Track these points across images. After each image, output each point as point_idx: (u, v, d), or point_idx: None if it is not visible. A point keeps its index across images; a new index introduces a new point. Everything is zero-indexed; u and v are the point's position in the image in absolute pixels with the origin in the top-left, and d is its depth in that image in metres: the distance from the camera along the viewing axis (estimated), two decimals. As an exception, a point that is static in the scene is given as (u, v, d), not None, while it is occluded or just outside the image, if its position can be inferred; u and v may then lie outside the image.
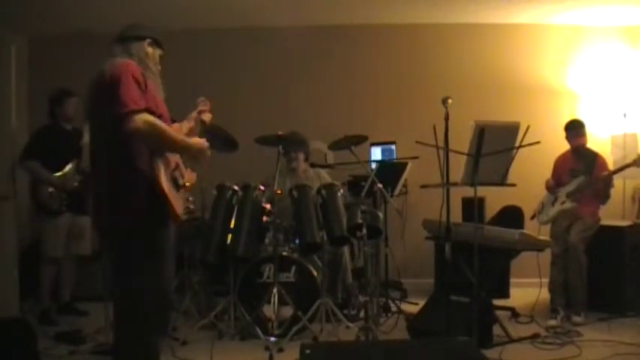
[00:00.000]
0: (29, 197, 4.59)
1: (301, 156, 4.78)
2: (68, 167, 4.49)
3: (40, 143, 4.46)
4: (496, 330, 3.99)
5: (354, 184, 5.20)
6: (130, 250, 2.48)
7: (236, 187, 4.28)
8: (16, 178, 4.54)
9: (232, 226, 4.15)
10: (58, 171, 4.45)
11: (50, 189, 4.43)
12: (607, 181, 4.57)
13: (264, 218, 4.25)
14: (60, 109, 4.53)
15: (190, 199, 2.75)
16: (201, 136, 2.89)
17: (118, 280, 2.52)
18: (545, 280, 4.64)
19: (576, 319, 4.40)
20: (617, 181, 4.70)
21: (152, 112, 2.43)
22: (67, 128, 4.57)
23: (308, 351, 2.79)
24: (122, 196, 2.45)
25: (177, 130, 2.75)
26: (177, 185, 2.61)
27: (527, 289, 4.77)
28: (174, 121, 2.79)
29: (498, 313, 4.25)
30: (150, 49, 2.66)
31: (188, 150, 2.63)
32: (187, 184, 2.75)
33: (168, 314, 2.73)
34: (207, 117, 3.14)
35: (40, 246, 4.57)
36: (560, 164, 4.85)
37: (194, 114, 3.11)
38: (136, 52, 2.60)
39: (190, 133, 2.99)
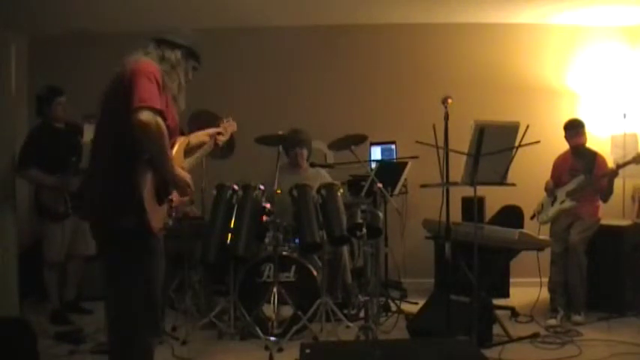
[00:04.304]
0: (32, 201, 4.55)
1: (305, 152, 4.77)
2: None
3: (34, 147, 4.37)
4: (496, 329, 3.99)
5: (354, 184, 5.20)
6: (117, 251, 2.48)
7: (236, 187, 4.28)
8: (17, 178, 4.54)
9: (232, 225, 4.15)
10: (56, 171, 4.39)
11: (54, 192, 4.38)
12: (612, 177, 4.55)
13: (264, 218, 4.25)
14: (49, 108, 4.43)
15: (172, 215, 2.68)
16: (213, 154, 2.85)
17: (106, 280, 2.54)
18: (545, 280, 4.65)
19: (576, 318, 4.40)
20: (617, 180, 4.69)
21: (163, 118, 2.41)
22: (59, 126, 4.50)
23: (308, 350, 2.80)
24: (118, 198, 2.44)
25: (181, 143, 2.70)
26: (161, 198, 2.54)
27: (527, 289, 4.76)
28: (182, 133, 2.76)
29: (498, 312, 4.24)
30: (183, 60, 2.64)
31: (172, 177, 2.53)
32: (174, 199, 2.66)
33: (158, 314, 2.72)
34: (222, 139, 3.04)
35: (42, 250, 4.51)
36: (560, 164, 4.86)
37: (212, 131, 3.01)
38: (168, 58, 2.59)
39: (202, 147, 2.92)
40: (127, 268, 2.49)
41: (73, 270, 4.68)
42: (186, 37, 2.69)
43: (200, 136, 2.96)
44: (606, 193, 4.62)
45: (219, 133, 3.02)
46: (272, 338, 3.92)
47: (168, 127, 2.49)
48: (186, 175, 2.59)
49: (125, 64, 2.46)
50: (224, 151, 4.29)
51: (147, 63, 2.47)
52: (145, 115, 2.32)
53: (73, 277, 4.72)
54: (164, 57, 2.58)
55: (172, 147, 2.59)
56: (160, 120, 2.36)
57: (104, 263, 2.58)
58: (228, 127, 3.11)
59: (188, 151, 2.81)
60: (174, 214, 2.68)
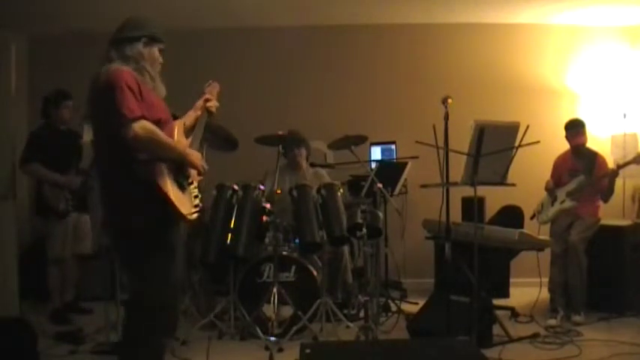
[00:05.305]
0: (33, 199, 4.56)
1: (303, 152, 4.77)
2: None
3: (38, 146, 4.41)
4: (496, 330, 3.99)
5: (354, 184, 5.20)
6: (134, 250, 2.50)
7: (236, 187, 4.28)
8: (17, 178, 4.54)
9: (232, 225, 4.15)
10: (58, 172, 4.41)
11: (55, 190, 4.39)
12: (612, 176, 4.54)
13: (264, 218, 4.25)
14: (56, 110, 4.48)
15: (199, 196, 2.72)
16: (207, 127, 2.87)
17: (126, 279, 2.57)
18: (545, 280, 4.65)
19: (576, 318, 4.40)
20: (617, 180, 4.69)
21: (147, 119, 2.43)
22: (61, 129, 4.54)
23: (308, 351, 2.79)
24: (123, 198, 2.47)
25: (179, 127, 2.70)
26: (182, 185, 2.57)
27: (527, 289, 4.77)
28: (175, 118, 2.76)
29: (498, 312, 4.24)
30: (146, 50, 2.59)
31: (183, 160, 2.58)
32: (194, 182, 2.69)
33: (175, 315, 2.74)
34: (212, 105, 2.91)
35: (45, 247, 4.53)
36: (560, 164, 4.85)
37: (200, 102, 2.91)
38: (131, 55, 2.55)
39: (197, 122, 2.87)
40: (139, 268, 2.52)
41: (70, 270, 4.67)
42: (140, 25, 2.63)
43: (191, 115, 2.90)
44: (607, 194, 4.62)
45: (207, 100, 2.91)
46: (272, 338, 3.92)
47: (159, 120, 2.51)
48: (196, 154, 2.64)
49: (96, 76, 2.46)
50: (227, 144, 4.31)
51: (115, 72, 2.44)
52: (131, 131, 2.35)
53: (70, 277, 4.70)
54: (126, 56, 2.54)
55: (172, 135, 2.59)
56: (145, 124, 2.39)
57: (121, 262, 2.61)
58: (213, 90, 3.01)
59: (186, 131, 2.79)
60: (199, 195, 2.71)
